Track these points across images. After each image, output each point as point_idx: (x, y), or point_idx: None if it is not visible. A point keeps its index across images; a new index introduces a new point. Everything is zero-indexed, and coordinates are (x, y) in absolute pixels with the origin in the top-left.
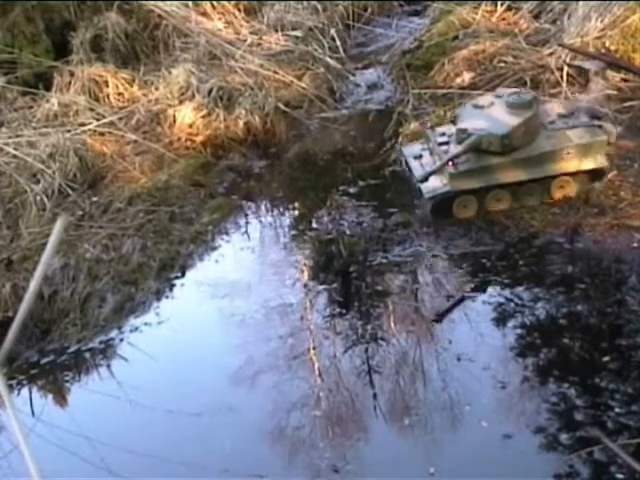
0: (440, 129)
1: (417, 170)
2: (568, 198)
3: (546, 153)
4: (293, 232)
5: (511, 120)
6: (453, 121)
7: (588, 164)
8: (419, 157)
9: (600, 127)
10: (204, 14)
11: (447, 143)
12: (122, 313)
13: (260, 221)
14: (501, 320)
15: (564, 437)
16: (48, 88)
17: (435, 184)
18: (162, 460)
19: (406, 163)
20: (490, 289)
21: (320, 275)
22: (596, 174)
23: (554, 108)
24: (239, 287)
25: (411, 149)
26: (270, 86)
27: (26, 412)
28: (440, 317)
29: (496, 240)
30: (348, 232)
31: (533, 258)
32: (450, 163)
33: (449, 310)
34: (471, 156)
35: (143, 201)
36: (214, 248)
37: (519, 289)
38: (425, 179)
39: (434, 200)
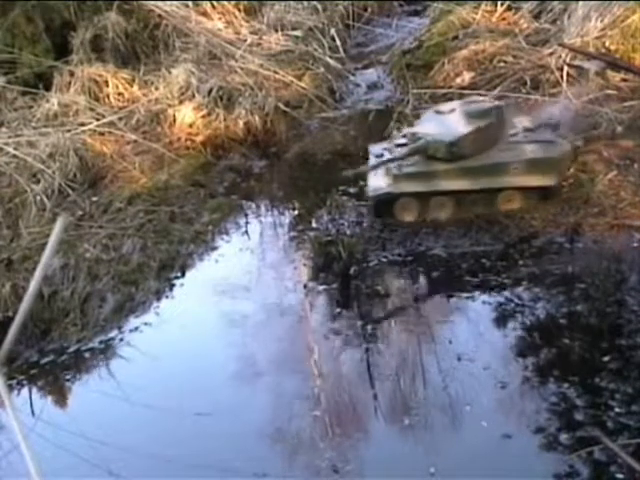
0: (405, 130)
1: (371, 179)
2: (516, 211)
3: (492, 165)
4: (293, 232)
5: (462, 128)
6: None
7: (534, 181)
8: (380, 156)
9: (557, 144)
10: (204, 14)
11: (405, 145)
12: (122, 313)
13: (260, 221)
14: (501, 320)
15: (564, 437)
16: (48, 88)
17: (380, 184)
18: (162, 460)
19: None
20: (490, 289)
21: (320, 275)
22: (546, 191)
23: (522, 121)
24: (239, 287)
25: (375, 148)
26: (270, 86)
27: (26, 412)
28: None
29: (496, 240)
30: (348, 232)
31: (533, 258)
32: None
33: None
34: (420, 160)
35: (143, 201)
36: (214, 248)
37: (519, 289)
38: (356, 175)
39: (376, 200)
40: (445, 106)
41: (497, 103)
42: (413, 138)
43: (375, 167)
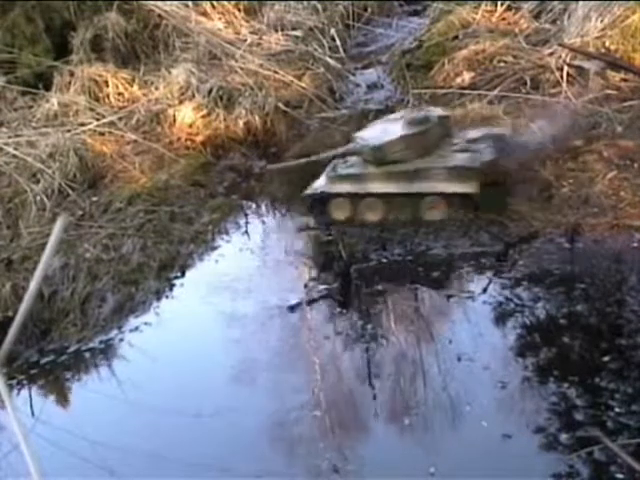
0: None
1: (317, 181)
2: (438, 220)
3: (416, 171)
4: (293, 232)
5: (393, 134)
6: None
7: (456, 188)
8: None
9: (483, 153)
10: (204, 14)
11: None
12: (122, 313)
13: (260, 221)
14: (501, 320)
15: (564, 437)
16: (48, 88)
17: (320, 183)
18: (162, 460)
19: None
20: (490, 289)
21: (320, 275)
22: (469, 200)
23: (470, 133)
24: (239, 287)
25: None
26: (270, 86)
27: (26, 412)
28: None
29: (496, 240)
30: (348, 232)
31: (533, 258)
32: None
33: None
34: (356, 163)
35: (143, 201)
36: (214, 248)
37: (519, 289)
38: (278, 169)
39: (311, 198)
40: (396, 114)
41: (444, 113)
42: (354, 141)
43: (309, 162)
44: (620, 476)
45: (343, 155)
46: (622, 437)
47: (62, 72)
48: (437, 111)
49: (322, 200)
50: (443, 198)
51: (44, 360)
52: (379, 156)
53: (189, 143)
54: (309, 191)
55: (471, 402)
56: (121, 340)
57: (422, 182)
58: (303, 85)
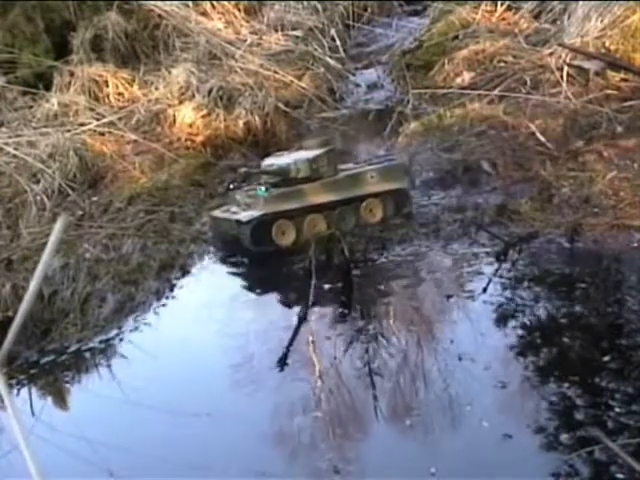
0: (246, 188)
1: (235, 215)
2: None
3: (351, 176)
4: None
5: (313, 152)
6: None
7: (391, 185)
8: (226, 211)
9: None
10: (204, 14)
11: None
12: (122, 313)
13: None
14: (501, 320)
15: (564, 437)
16: (48, 88)
17: (252, 212)
18: (162, 460)
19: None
20: (490, 289)
21: (320, 274)
22: (401, 197)
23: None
24: (239, 286)
25: (217, 213)
26: (270, 86)
27: (26, 412)
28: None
29: (496, 240)
30: (348, 232)
31: (533, 258)
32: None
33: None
34: (284, 184)
35: (143, 201)
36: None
37: (519, 289)
38: (229, 189)
39: (252, 225)
40: (280, 153)
41: (327, 138)
42: (270, 168)
43: (248, 176)
44: (620, 476)
45: (277, 172)
46: (622, 437)
47: (62, 72)
48: (320, 139)
49: (262, 227)
50: (379, 200)
51: (44, 360)
52: (315, 167)
53: (189, 143)
54: (246, 218)
55: (472, 402)
56: (121, 340)
57: (360, 186)
58: (303, 85)
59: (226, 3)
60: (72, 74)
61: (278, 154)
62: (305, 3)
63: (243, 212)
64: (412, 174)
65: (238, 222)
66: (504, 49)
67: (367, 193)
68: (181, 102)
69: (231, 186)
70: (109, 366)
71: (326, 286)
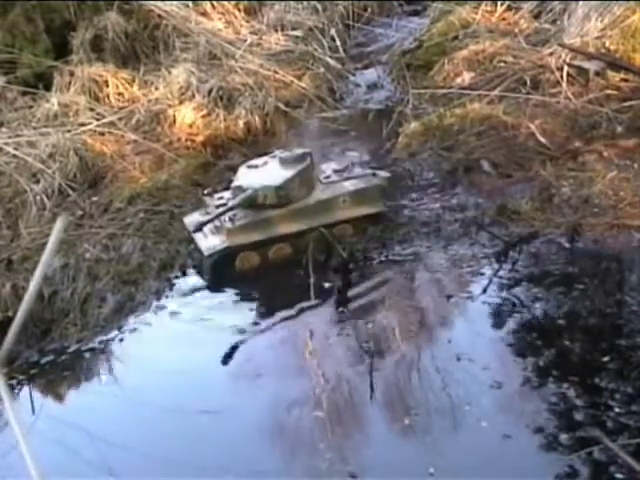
0: (218, 195)
1: (201, 241)
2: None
3: (322, 202)
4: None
5: (284, 173)
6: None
7: (364, 210)
8: (200, 225)
9: (374, 175)
10: (204, 14)
11: (225, 205)
12: (122, 313)
13: None
14: (501, 320)
15: (564, 437)
16: (48, 88)
17: (215, 242)
18: (162, 459)
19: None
20: (490, 289)
21: (320, 274)
22: (376, 218)
23: (330, 165)
24: (239, 284)
25: (191, 219)
26: (270, 86)
27: (26, 412)
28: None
29: (496, 240)
30: (347, 232)
31: (533, 258)
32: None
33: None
34: (249, 212)
35: (143, 201)
36: None
37: (519, 289)
38: (199, 229)
39: (214, 258)
40: (256, 160)
41: (306, 150)
42: (238, 192)
43: (215, 217)
44: (620, 476)
45: (243, 204)
46: (622, 437)
47: (62, 72)
48: (299, 149)
49: (226, 258)
50: (351, 225)
51: (44, 360)
52: (283, 195)
53: (189, 143)
54: (209, 251)
55: (471, 402)
56: (121, 340)
57: (332, 212)
58: (303, 85)
59: (226, 3)
60: (72, 74)
61: (252, 164)
62: (305, 3)
63: (209, 236)
64: (387, 194)
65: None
66: (504, 49)
67: (338, 220)
68: (181, 102)
69: (205, 191)
70: (109, 366)
71: (325, 285)
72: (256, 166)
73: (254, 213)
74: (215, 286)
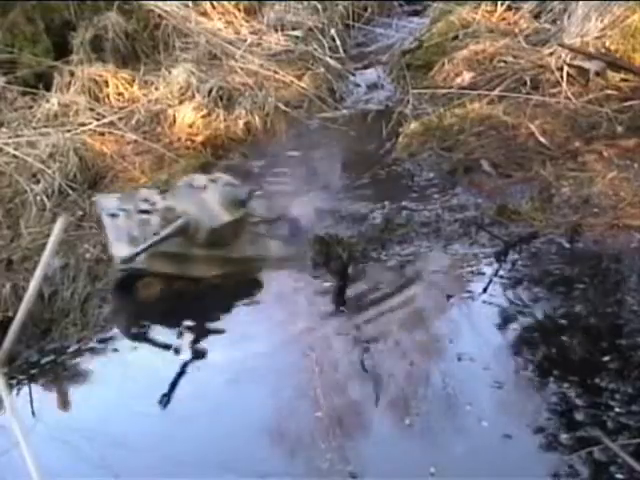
0: (143, 193)
1: (111, 230)
2: None
3: (245, 259)
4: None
5: (223, 214)
6: (162, 190)
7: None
8: (114, 216)
9: (295, 245)
10: (204, 14)
11: (148, 212)
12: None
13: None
14: (501, 320)
15: (564, 437)
16: (48, 88)
17: (129, 253)
18: (162, 459)
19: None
20: (490, 289)
21: (319, 275)
22: None
23: (262, 207)
24: (239, 284)
25: (107, 203)
26: (270, 86)
27: (26, 412)
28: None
29: (496, 240)
30: (347, 232)
31: (533, 258)
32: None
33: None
34: (177, 240)
35: None
36: None
37: (519, 289)
38: (131, 260)
39: (123, 273)
40: (197, 180)
41: (250, 189)
42: (169, 214)
43: (148, 248)
44: (620, 476)
45: (176, 234)
46: (622, 437)
47: (62, 72)
48: (243, 188)
49: (130, 276)
50: None
51: (44, 360)
52: (213, 239)
53: (189, 143)
54: (121, 264)
55: (471, 402)
56: (121, 340)
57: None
58: (303, 85)
59: (226, 3)
60: (72, 74)
61: (192, 184)
62: (305, 3)
63: (123, 241)
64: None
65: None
66: (504, 49)
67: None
68: (181, 102)
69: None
70: (109, 365)
71: (324, 285)
72: (195, 187)
73: (180, 243)
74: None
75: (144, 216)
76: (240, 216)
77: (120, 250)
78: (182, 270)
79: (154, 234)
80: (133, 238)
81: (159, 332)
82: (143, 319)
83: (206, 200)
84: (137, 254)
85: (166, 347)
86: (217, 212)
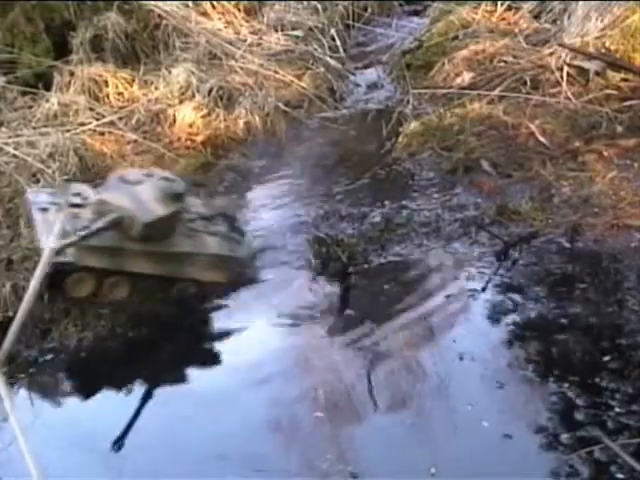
0: (76, 187)
1: (40, 224)
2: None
3: (182, 254)
4: (292, 231)
5: (158, 208)
6: (95, 185)
7: (213, 276)
8: (44, 210)
9: (240, 242)
10: (204, 14)
11: (80, 206)
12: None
13: (260, 221)
14: (501, 320)
15: (564, 437)
16: (48, 88)
17: (60, 248)
18: (163, 459)
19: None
20: (490, 289)
21: (319, 276)
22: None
23: (194, 205)
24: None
25: (37, 197)
26: (270, 86)
27: (26, 411)
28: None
29: (496, 240)
30: (347, 232)
31: (533, 258)
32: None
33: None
34: (109, 234)
35: None
36: None
37: (519, 289)
38: (60, 252)
39: (50, 268)
40: (131, 175)
41: (185, 185)
42: (102, 207)
43: (79, 241)
44: (620, 476)
45: (109, 227)
46: (622, 437)
47: (62, 72)
48: (179, 182)
49: (61, 271)
50: (195, 282)
51: (44, 359)
52: (147, 233)
53: (189, 143)
54: (50, 259)
55: (472, 402)
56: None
57: (184, 266)
58: (303, 85)
59: (226, 3)
60: (72, 74)
61: (126, 178)
62: (305, 3)
63: (54, 236)
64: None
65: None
66: (504, 49)
67: (188, 277)
68: (181, 102)
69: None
70: (109, 365)
71: (324, 286)
72: (129, 182)
73: (112, 237)
74: None
75: (76, 210)
76: (175, 210)
77: (49, 243)
78: (116, 265)
79: (85, 227)
80: (64, 232)
81: None
82: None
83: (141, 194)
84: (67, 246)
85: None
86: (151, 206)
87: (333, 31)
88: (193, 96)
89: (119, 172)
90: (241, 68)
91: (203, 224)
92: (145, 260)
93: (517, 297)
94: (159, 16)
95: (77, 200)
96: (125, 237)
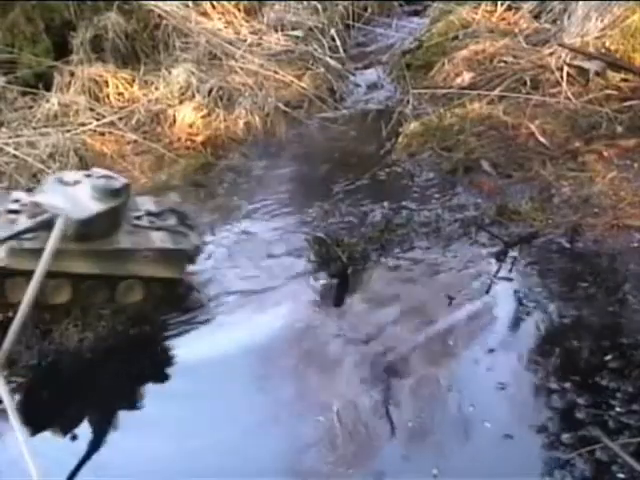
0: (15, 194)
1: None
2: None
3: (122, 250)
4: (292, 231)
5: (93, 206)
6: (29, 190)
7: (163, 272)
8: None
9: (186, 235)
10: (204, 14)
11: (17, 212)
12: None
13: (260, 220)
14: (501, 320)
15: (565, 437)
16: (48, 88)
17: None
18: (163, 460)
19: None
20: (490, 289)
21: (319, 276)
22: (170, 283)
23: (144, 203)
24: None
25: None
26: (270, 86)
27: (26, 412)
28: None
29: (496, 240)
30: (347, 233)
31: (533, 258)
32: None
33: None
34: (42, 235)
35: None
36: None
37: (519, 289)
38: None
39: None
40: (68, 176)
41: (125, 181)
42: (36, 209)
43: (7, 239)
44: (621, 476)
45: (40, 227)
46: (623, 436)
47: (62, 72)
48: (119, 179)
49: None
50: (142, 281)
51: (44, 360)
52: (83, 232)
53: (189, 143)
54: None
55: (473, 403)
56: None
57: (126, 263)
58: (303, 85)
59: (226, 3)
60: (72, 74)
61: (63, 179)
62: (305, 3)
63: None
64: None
65: None
66: (504, 49)
67: (131, 274)
68: (181, 102)
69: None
70: (109, 365)
71: (324, 286)
72: (66, 183)
73: (46, 239)
74: None
75: (12, 216)
76: (113, 207)
77: None
78: (53, 266)
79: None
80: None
81: None
82: None
83: (77, 194)
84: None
85: None
86: (87, 204)
87: (333, 31)
88: (193, 96)
89: (55, 174)
90: (241, 68)
91: (150, 220)
92: (84, 260)
93: (517, 297)
94: (159, 16)
95: (15, 206)
96: (61, 237)
